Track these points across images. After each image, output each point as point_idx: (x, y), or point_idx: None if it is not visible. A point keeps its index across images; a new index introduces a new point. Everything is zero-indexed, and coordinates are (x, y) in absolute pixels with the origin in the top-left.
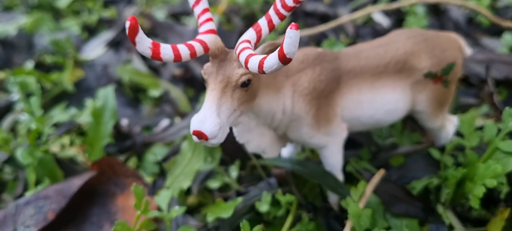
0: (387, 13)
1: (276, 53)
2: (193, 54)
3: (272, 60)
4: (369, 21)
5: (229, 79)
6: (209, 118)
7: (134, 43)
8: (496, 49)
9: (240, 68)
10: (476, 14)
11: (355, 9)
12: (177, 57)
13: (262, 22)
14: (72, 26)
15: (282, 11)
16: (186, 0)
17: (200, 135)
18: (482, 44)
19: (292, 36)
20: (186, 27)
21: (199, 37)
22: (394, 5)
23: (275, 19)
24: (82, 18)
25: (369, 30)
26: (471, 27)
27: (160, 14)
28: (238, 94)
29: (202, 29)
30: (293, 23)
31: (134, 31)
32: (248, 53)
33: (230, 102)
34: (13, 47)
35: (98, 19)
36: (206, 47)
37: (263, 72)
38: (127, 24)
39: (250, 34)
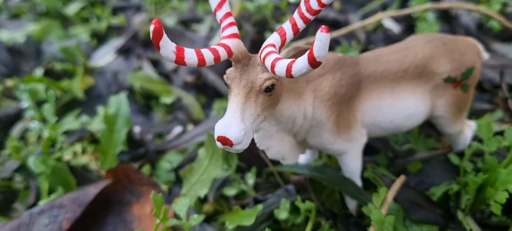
0: (397, 19)
1: (305, 56)
2: (217, 58)
3: (301, 63)
4: (379, 27)
5: (253, 84)
6: (234, 123)
7: (158, 47)
8: (507, 54)
9: (264, 73)
10: (487, 20)
11: (365, 15)
12: (201, 61)
13: (287, 26)
14: (81, 33)
15: (307, 14)
16: (195, 7)
17: (225, 140)
18: (493, 49)
19: (322, 39)
20: (197, 34)
21: (222, 41)
22: (405, 11)
23: (300, 23)
24: (90, 26)
25: (381, 36)
26: (482, 33)
27: (169, 21)
28: (262, 99)
29: (225, 33)
30: (323, 26)
31: (158, 35)
32: (275, 57)
33: (254, 107)
34: (21, 54)
35: (107, 26)
36: (229, 52)
37: (291, 76)
38: (151, 28)
39: (274, 38)
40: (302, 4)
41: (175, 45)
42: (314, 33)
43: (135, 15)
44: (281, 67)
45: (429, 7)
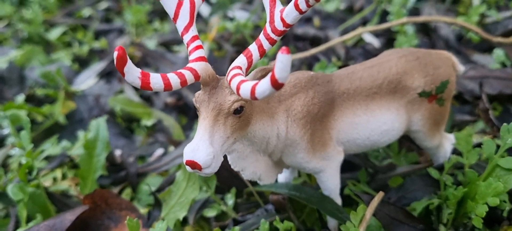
0: (377, 33)
1: (268, 78)
2: (183, 82)
3: (264, 86)
4: (360, 41)
5: (221, 107)
6: (202, 147)
7: (123, 74)
8: (487, 65)
9: (232, 95)
10: (466, 31)
11: (345, 31)
12: (167, 86)
13: (253, 47)
14: (63, 58)
15: (272, 35)
16: (176, 28)
17: (193, 164)
18: (473, 60)
19: (283, 60)
20: (178, 55)
21: (189, 65)
22: (384, 26)
23: (266, 44)
24: (73, 50)
25: (360, 51)
26: (462, 45)
27: (150, 43)
28: (231, 122)
29: (192, 57)
30: (284, 47)
31: (122, 61)
32: (240, 80)
33: (223, 130)
34: (4, 81)
35: (89, 50)
36: (196, 75)
37: (256, 99)
38: (115, 54)
39: (241, 60)
40: (267, 26)
41: (140, 70)
42: (294, 51)
43: (117, 38)
44: (245, 90)
45: (406, 21)
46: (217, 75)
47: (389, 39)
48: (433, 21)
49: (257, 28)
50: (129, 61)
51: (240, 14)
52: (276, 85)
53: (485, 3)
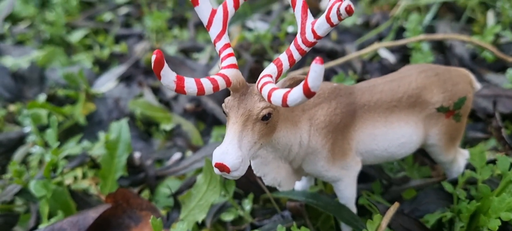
0: (392, 49)
1: (300, 86)
2: (215, 88)
3: (296, 93)
4: (375, 56)
5: (250, 113)
6: (231, 150)
7: (160, 77)
8: (501, 85)
9: (261, 102)
10: (480, 51)
11: (361, 46)
12: (201, 90)
13: (283, 57)
14: (84, 60)
15: (303, 46)
16: (195, 36)
17: (222, 167)
18: (487, 79)
19: (317, 70)
20: (198, 62)
21: (221, 71)
22: (401, 42)
23: (296, 55)
24: (93, 53)
25: (377, 66)
26: (476, 63)
27: (170, 49)
28: (259, 128)
29: (224, 64)
30: (318, 57)
31: (160, 64)
32: (271, 87)
33: (251, 135)
34: (25, 80)
35: (109, 54)
36: (228, 81)
37: (287, 106)
38: (153, 57)
39: (271, 68)
40: (298, 37)
41: (175, 74)
42: (310, 63)
43: (137, 43)
44: (277, 97)
45: (423, 38)
46: (247, 83)
47: (404, 55)
48: (449, 39)
49: (276, 39)
50: (165, 65)
51: (259, 25)
52: (309, 93)
53: (500, 24)
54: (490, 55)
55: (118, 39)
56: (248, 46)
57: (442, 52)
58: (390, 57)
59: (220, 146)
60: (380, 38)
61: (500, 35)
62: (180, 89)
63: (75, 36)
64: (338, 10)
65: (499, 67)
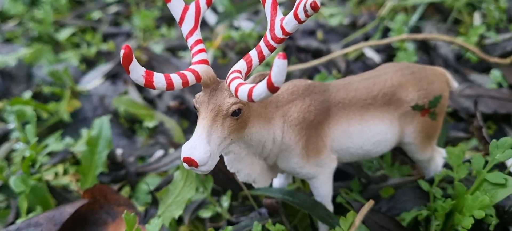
0: (378, 49)
1: (264, 82)
2: (185, 83)
3: (260, 88)
4: (361, 56)
5: (220, 108)
6: (200, 145)
7: (128, 71)
8: (484, 85)
9: (231, 97)
10: (464, 51)
11: (347, 45)
12: (170, 85)
13: (253, 53)
14: (71, 58)
15: (272, 43)
16: (182, 33)
17: (190, 161)
18: (470, 79)
19: (279, 65)
20: (182, 60)
21: (191, 67)
22: (384, 41)
23: (265, 51)
24: (81, 51)
25: (361, 65)
26: (460, 64)
27: (157, 48)
28: (229, 123)
29: (194, 59)
30: (280, 53)
31: (128, 59)
32: (239, 83)
33: (220, 130)
34: (12, 78)
35: (96, 52)
36: (198, 77)
37: (252, 101)
38: (122, 52)
39: (241, 64)
40: (267, 33)
41: (144, 69)
42: (296, 61)
43: (124, 41)
44: (243, 92)
45: (405, 37)
46: (217, 78)
47: (389, 55)
48: (433, 39)
49: (261, 38)
50: (134, 60)
51: (245, 24)
52: (272, 88)
53: (485, 24)
54: (474, 56)
55: (106, 38)
56: (233, 45)
57: (427, 52)
58: (376, 57)
59: (189, 141)
60: (366, 38)
61: (485, 36)
62: (149, 84)
63: (63, 34)
64: (305, 6)
65: (484, 67)
